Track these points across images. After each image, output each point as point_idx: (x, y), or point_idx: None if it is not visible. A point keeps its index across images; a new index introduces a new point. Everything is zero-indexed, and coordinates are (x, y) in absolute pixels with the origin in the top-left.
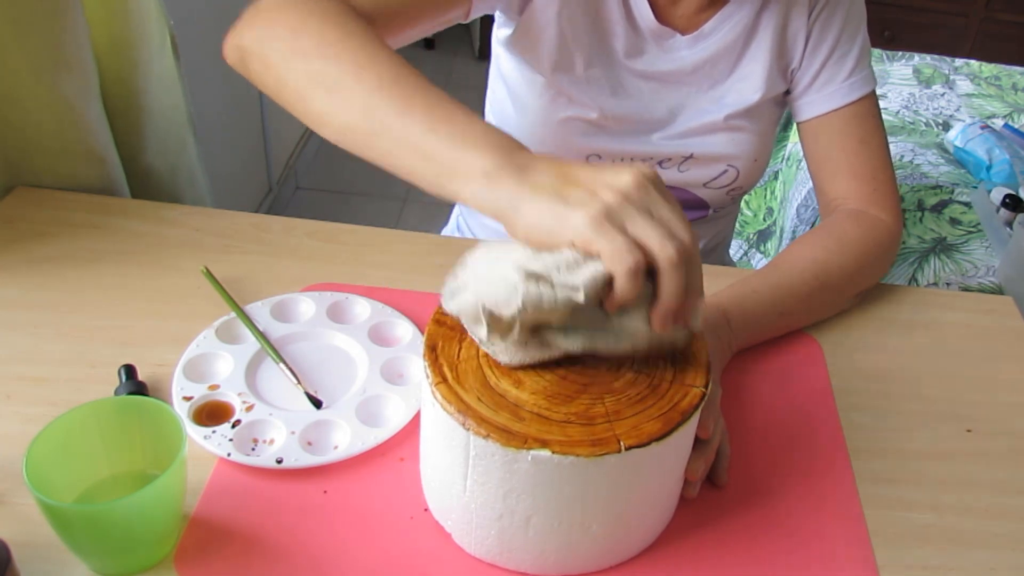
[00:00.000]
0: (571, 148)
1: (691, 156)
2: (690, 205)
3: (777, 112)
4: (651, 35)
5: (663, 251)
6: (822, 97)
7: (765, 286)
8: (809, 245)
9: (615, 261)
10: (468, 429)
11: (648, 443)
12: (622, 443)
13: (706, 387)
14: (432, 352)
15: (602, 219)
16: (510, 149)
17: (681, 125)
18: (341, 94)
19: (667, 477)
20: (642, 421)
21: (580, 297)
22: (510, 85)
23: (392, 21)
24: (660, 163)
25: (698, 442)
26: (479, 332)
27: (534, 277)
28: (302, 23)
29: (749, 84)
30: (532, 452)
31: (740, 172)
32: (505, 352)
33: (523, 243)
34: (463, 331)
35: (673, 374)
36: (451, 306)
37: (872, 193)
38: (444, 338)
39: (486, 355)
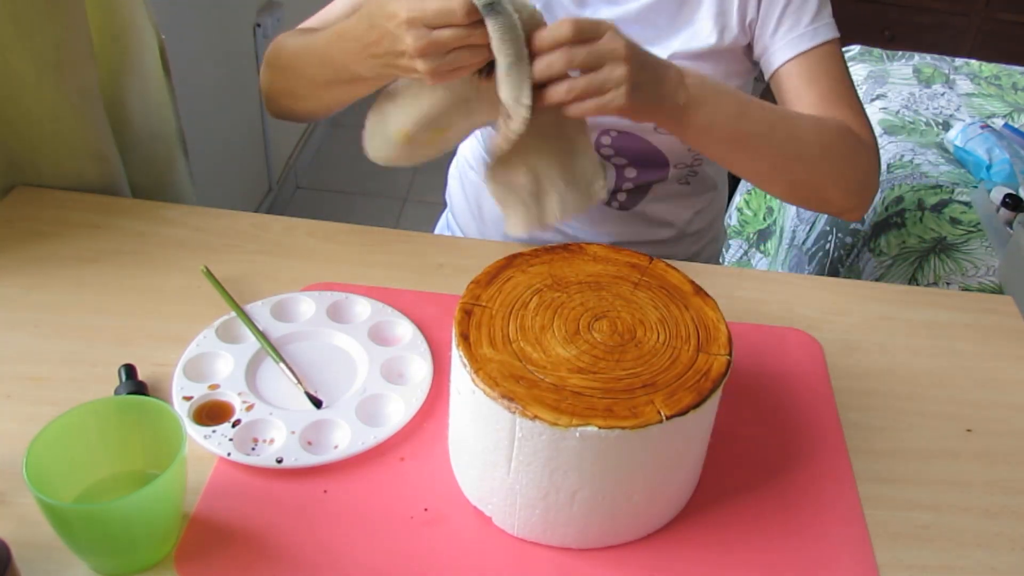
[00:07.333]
0: None
1: None
2: (647, 160)
3: (738, 67)
4: None
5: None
6: (787, 43)
7: (731, 88)
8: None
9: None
10: (514, 412)
11: (686, 412)
12: (662, 413)
13: (730, 354)
14: (465, 341)
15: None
16: None
17: None
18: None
19: (697, 443)
20: (676, 391)
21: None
22: None
23: None
24: None
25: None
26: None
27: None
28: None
29: (697, 30)
30: (579, 429)
31: None
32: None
33: None
34: (492, 317)
35: (697, 344)
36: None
37: (849, 117)
38: (474, 327)
39: (516, 341)
